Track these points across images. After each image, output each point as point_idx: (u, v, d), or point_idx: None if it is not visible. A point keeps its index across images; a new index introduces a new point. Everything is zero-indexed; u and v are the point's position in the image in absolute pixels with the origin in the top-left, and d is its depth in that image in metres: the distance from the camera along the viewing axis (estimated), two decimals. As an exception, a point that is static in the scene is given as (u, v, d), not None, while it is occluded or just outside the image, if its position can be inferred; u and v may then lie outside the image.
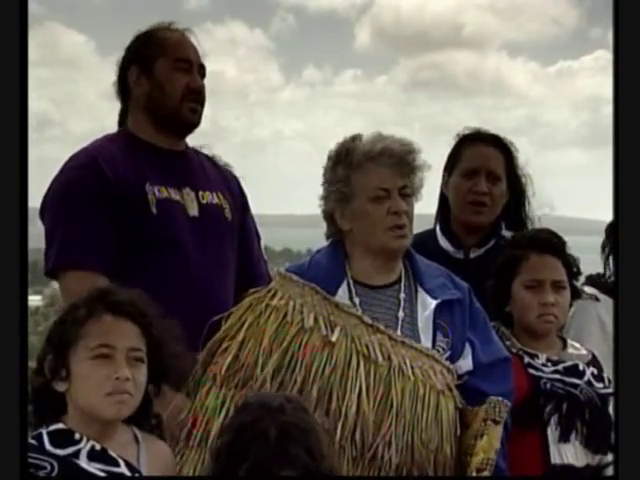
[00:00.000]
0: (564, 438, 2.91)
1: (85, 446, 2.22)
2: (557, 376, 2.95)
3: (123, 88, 3.18)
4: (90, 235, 2.95)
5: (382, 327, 2.64)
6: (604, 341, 3.15)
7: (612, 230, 3.20)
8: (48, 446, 2.21)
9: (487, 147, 3.42)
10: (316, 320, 2.61)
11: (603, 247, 3.31)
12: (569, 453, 2.92)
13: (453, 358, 2.72)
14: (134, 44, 3.18)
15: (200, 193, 3.15)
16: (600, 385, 2.98)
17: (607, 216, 3.26)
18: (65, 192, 3.02)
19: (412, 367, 2.62)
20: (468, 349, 2.75)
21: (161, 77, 3.11)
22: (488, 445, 2.59)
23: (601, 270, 3.32)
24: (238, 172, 3.45)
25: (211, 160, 3.33)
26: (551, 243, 3.05)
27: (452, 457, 2.63)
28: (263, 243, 3.50)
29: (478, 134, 3.46)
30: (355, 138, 2.72)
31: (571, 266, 3.06)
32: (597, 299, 3.23)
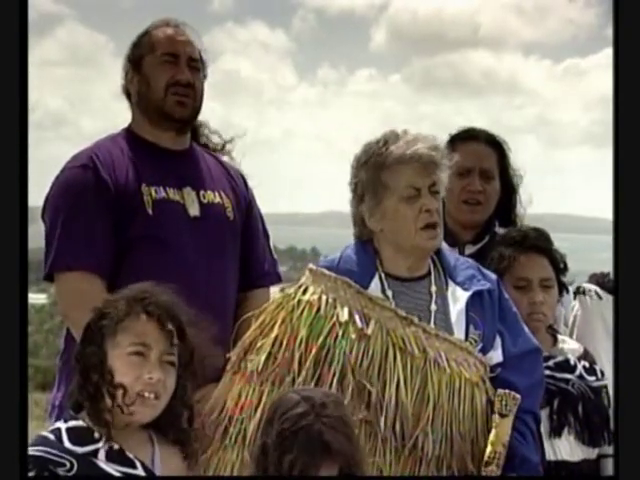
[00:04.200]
0: (556, 434, 2.93)
1: (104, 446, 2.22)
2: (548, 372, 2.96)
3: (127, 89, 3.21)
4: (86, 237, 2.95)
5: (416, 320, 2.65)
6: (607, 339, 3.14)
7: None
8: (67, 443, 2.20)
9: (480, 145, 3.45)
10: (350, 314, 2.61)
11: None
12: (563, 449, 2.94)
13: (485, 350, 2.72)
14: (130, 46, 3.21)
15: (201, 192, 3.14)
16: (592, 378, 3.00)
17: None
18: (62, 193, 3.02)
19: (447, 360, 2.63)
20: (498, 340, 2.75)
21: (148, 73, 3.13)
22: (495, 438, 2.59)
23: (608, 267, 3.27)
24: (246, 170, 3.45)
25: (217, 158, 3.32)
26: (537, 242, 3.08)
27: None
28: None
29: (471, 132, 3.48)
30: (386, 142, 2.72)
31: (558, 263, 3.09)
32: (600, 297, 3.23)
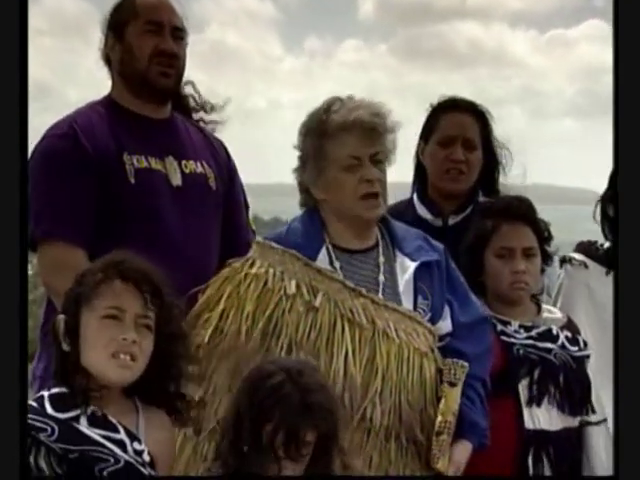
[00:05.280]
0: (536, 403, 2.94)
1: (86, 411, 2.23)
2: (530, 342, 2.97)
3: (107, 55, 3.17)
4: (67, 206, 2.93)
5: (364, 291, 2.64)
6: (592, 308, 3.16)
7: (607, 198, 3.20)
8: (49, 409, 2.22)
9: (463, 115, 3.42)
10: (298, 286, 2.61)
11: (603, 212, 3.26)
12: (542, 418, 2.95)
13: (433, 320, 2.73)
14: (111, 10, 3.15)
15: (183, 162, 3.12)
16: (575, 348, 3.01)
17: (600, 185, 3.27)
18: (42, 162, 2.98)
19: (396, 330, 2.62)
20: (447, 310, 2.77)
21: (131, 41, 3.08)
22: (445, 408, 2.61)
23: (592, 238, 3.31)
24: (231, 141, 3.41)
25: (198, 127, 3.30)
26: (521, 211, 3.06)
27: (436, 418, 2.64)
28: (253, 212, 3.49)
29: (454, 102, 3.45)
30: (328, 108, 2.70)
31: (542, 232, 3.08)
32: (586, 266, 3.22)
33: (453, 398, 2.62)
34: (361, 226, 2.73)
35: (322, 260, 2.67)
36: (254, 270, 2.65)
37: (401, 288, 2.71)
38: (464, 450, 2.67)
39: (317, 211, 2.76)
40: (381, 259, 2.73)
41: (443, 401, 2.61)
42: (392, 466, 2.57)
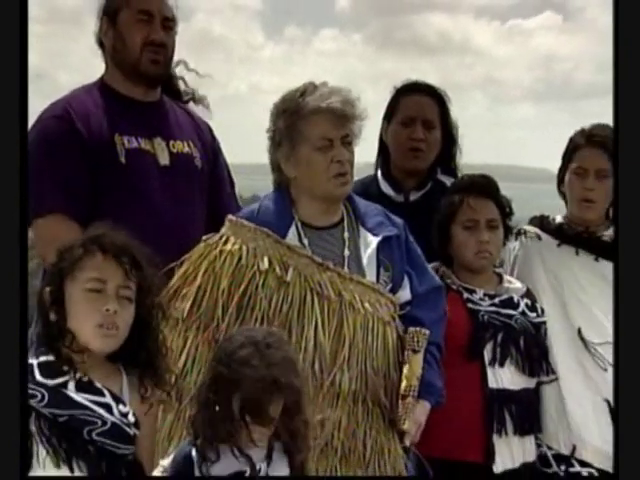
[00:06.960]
0: (499, 364, 3.17)
1: (73, 377, 2.35)
2: (493, 308, 3.21)
3: (100, 40, 3.29)
4: (63, 183, 3.06)
5: (331, 265, 2.81)
6: (544, 276, 3.39)
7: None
8: (38, 376, 2.34)
9: (423, 97, 3.61)
10: (270, 262, 2.76)
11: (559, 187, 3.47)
12: (505, 378, 3.18)
13: (394, 290, 2.92)
14: None
15: (171, 142, 3.26)
16: (533, 315, 3.25)
17: (553, 165, 3.51)
18: (38, 143, 3.08)
19: (361, 301, 2.80)
20: (406, 281, 2.96)
21: (122, 29, 3.21)
22: (410, 373, 2.79)
23: (544, 213, 3.54)
24: (215, 122, 3.56)
25: (184, 109, 3.44)
26: (485, 187, 3.29)
27: (398, 382, 2.83)
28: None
29: (415, 85, 3.64)
30: (303, 92, 2.87)
31: (504, 206, 3.31)
32: (539, 238, 3.44)
33: (417, 363, 2.80)
34: (330, 203, 2.90)
35: (292, 237, 2.83)
36: (228, 247, 2.80)
37: (365, 262, 2.88)
38: (423, 409, 2.86)
39: (287, 189, 2.92)
40: (346, 234, 2.90)
41: (407, 367, 2.79)
42: (360, 427, 2.76)
